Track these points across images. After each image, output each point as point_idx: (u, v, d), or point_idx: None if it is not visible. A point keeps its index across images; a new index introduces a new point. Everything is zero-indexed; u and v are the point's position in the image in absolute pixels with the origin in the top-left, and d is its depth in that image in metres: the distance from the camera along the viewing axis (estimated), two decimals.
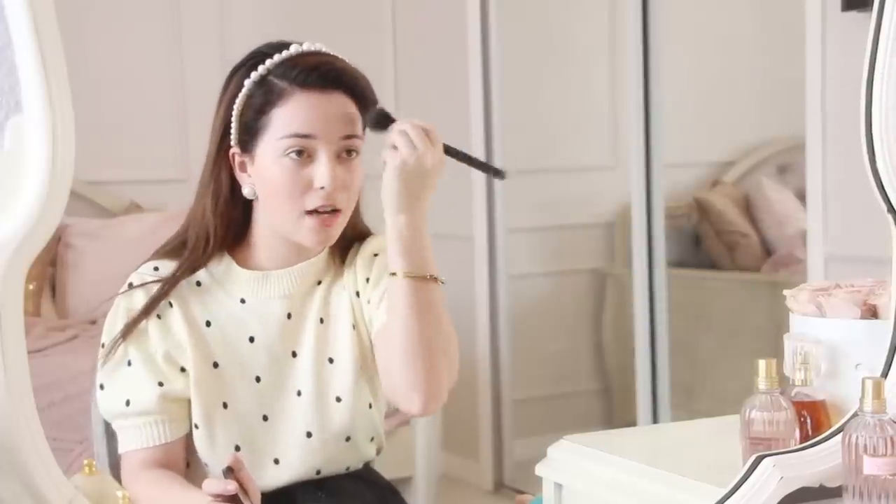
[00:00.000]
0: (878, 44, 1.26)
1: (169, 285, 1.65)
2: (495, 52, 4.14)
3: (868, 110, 1.26)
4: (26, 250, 1.05)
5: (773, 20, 4.45)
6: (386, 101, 5.05)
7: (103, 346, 1.66)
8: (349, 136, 1.63)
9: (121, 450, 1.67)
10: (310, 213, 1.61)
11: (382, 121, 1.63)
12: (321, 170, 1.59)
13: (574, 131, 4.51)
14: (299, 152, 1.59)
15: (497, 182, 4.17)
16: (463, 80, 4.22)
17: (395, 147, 1.58)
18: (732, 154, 4.64)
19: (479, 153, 4.18)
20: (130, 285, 1.67)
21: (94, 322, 3.54)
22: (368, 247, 1.73)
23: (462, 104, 4.24)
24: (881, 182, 1.27)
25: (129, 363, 1.64)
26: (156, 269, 1.68)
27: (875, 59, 1.26)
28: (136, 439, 1.65)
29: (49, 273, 3.78)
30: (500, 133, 4.17)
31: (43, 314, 3.69)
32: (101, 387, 1.66)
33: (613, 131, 4.49)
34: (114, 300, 1.69)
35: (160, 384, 1.64)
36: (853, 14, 2.80)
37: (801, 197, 3.55)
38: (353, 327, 1.70)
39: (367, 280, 1.70)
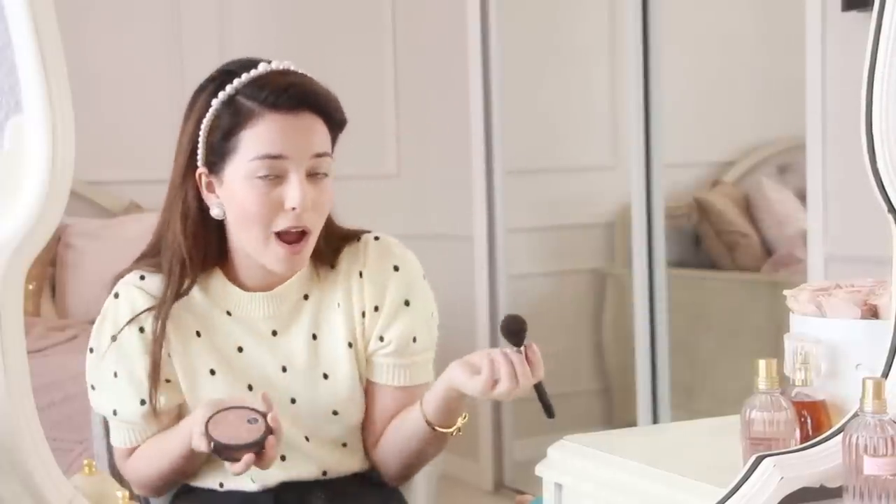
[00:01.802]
0: (878, 44, 1.25)
1: (164, 313, 1.65)
2: (495, 52, 4.13)
3: (868, 110, 1.26)
4: (26, 250, 1.05)
5: (773, 20, 4.44)
6: (386, 101, 5.03)
7: (91, 350, 1.69)
8: (319, 155, 1.60)
9: (111, 442, 1.73)
10: (278, 235, 1.59)
11: (516, 335, 1.61)
12: (292, 190, 1.57)
13: (574, 131, 4.51)
14: (270, 173, 1.57)
15: (497, 182, 4.18)
16: (463, 80, 4.21)
17: (495, 368, 1.59)
18: (732, 154, 4.63)
19: (479, 153, 4.19)
20: (116, 295, 1.68)
21: (94, 322, 3.53)
22: (373, 261, 1.71)
23: (462, 104, 4.23)
24: (881, 182, 1.27)
25: (115, 374, 1.67)
26: (142, 277, 1.68)
27: (875, 59, 1.26)
28: (125, 439, 1.70)
29: (49, 273, 3.78)
30: (500, 133, 4.17)
31: (43, 314, 3.69)
32: (92, 387, 1.70)
33: (613, 131, 4.49)
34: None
35: (142, 402, 1.65)
36: (853, 14, 2.80)
37: (801, 197, 3.55)
38: (350, 345, 1.69)
39: (376, 308, 1.69)
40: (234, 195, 1.60)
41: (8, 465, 1.06)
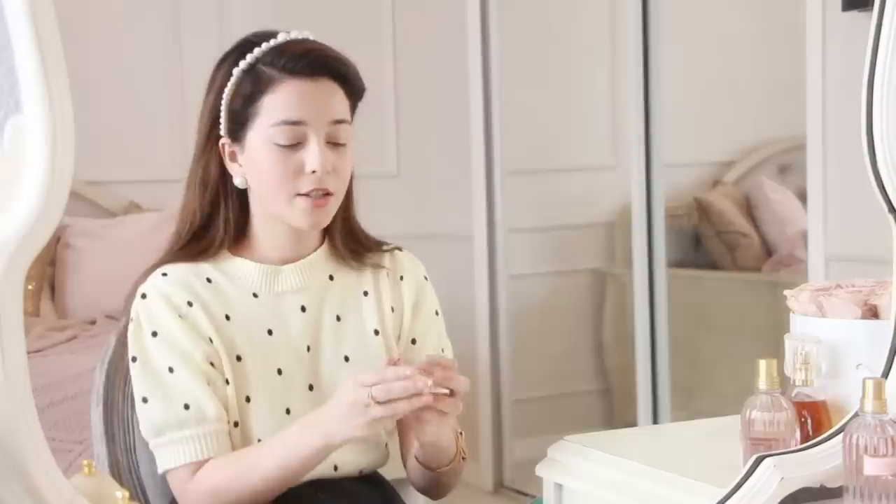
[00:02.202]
0: (878, 44, 1.25)
1: (195, 294, 1.64)
2: (495, 52, 4.14)
3: (868, 110, 1.26)
4: (26, 250, 1.05)
5: (773, 20, 4.45)
6: (386, 101, 5.02)
7: (134, 360, 1.61)
8: (338, 121, 1.63)
9: (168, 465, 1.60)
10: (301, 195, 1.61)
11: None
12: (312, 154, 1.59)
13: (574, 131, 4.51)
14: (290, 138, 1.59)
15: (497, 182, 4.18)
16: (463, 80, 4.21)
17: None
18: (732, 154, 4.64)
19: (479, 153, 4.19)
20: (144, 296, 1.63)
21: (93, 322, 3.54)
22: (406, 265, 1.75)
23: (462, 104, 4.23)
24: (881, 182, 1.27)
25: (171, 370, 1.59)
26: (164, 274, 1.65)
27: (875, 59, 1.26)
28: (193, 450, 1.58)
29: (49, 273, 3.77)
30: (500, 133, 4.17)
31: (42, 314, 3.69)
32: (145, 400, 1.60)
33: (613, 131, 4.49)
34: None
35: (209, 384, 1.60)
36: (853, 14, 2.80)
37: (802, 197, 3.55)
38: (376, 333, 1.70)
39: (414, 308, 1.73)
40: (255, 161, 1.62)
41: (8, 465, 1.06)
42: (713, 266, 4.44)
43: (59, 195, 1.04)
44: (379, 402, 1.45)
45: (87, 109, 3.78)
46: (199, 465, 1.59)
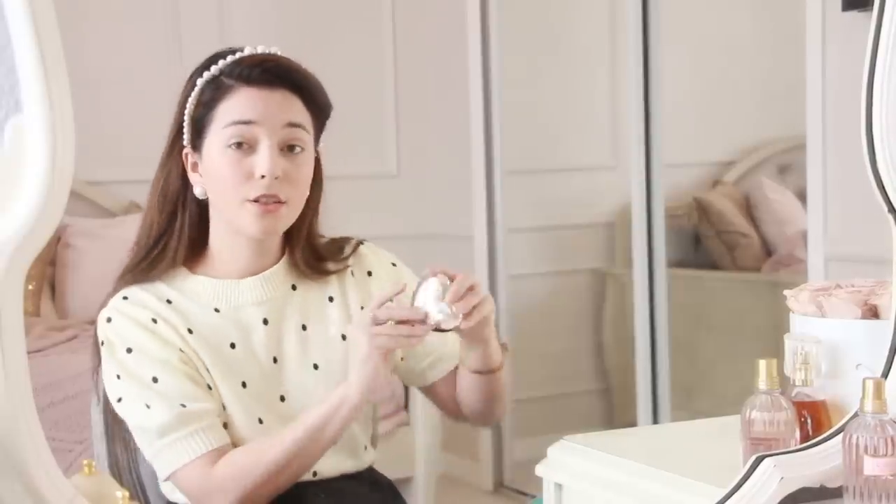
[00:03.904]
0: (878, 44, 1.25)
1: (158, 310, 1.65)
2: (495, 52, 4.13)
3: (868, 110, 1.26)
4: (26, 250, 1.05)
5: (773, 20, 4.45)
6: (386, 101, 5.02)
7: (119, 377, 1.62)
8: (292, 125, 1.62)
9: (178, 463, 1.59)
10: (252, 201, 1.61)
11: None
12: (261, 158, 1.59)
13: (574, 131, 4.50)
14: (241, 143, 1.60)
15: (497, 182, 4.18)
16: (463, 80, 4.21)
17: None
18: (732, 154, 4.64)
19: (479, 153, 4.19)
20: (109, 320, 1.65)
21: (94, 322, 3.52)
22: (371, 259, 1.76)
23: (462, 104, 4.23)
24: (881, 182, 1.27)
25: (155, 380, 1.60)
26: (125, 298, 1.67)
27: (875, 59, 1.26)
28: (201, 443, 1.58)
29: (49, 273, 3.77)
30: (500, 133, 4.17)
31: (43, 314, 3.69)
32: (147, 406, 1.59)
33: (613, 131, 4.49)
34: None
35: (194, 381, 1.62)
36: (853, 14, 2.80)
37: (802, 197, 3.55)
38: (343, 338, 1.69)
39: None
40: (210, 166, 1.63)
41: (8, 465, 1.06)
42: (713, 266, 4.44)
43: (60, 195, 1.04)
44: (379, 324, 1.54)
45: (87, 109, 3.78)
46: (213, 456, 1.59)
